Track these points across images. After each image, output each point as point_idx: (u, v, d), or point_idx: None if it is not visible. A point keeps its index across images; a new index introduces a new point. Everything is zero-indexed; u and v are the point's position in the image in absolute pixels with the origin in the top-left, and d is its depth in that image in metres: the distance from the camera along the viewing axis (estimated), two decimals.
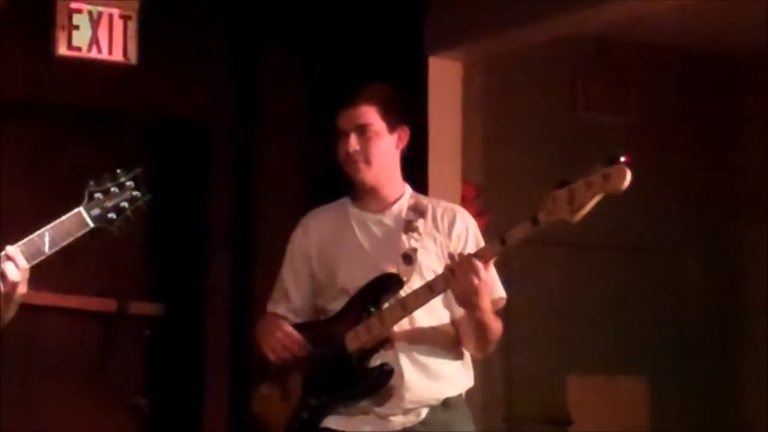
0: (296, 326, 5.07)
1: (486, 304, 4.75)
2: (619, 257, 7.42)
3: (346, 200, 5.14)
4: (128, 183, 4.00)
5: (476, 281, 4.62)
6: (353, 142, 4.96)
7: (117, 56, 6.99)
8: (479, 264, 4.63)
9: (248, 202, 7.46)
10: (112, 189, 3.97)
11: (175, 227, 7.37)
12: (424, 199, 5.14)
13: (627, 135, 7.38)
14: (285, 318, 5.14)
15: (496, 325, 4.86)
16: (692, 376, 7.63)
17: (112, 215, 3.96)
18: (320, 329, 5.04)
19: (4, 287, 3.73)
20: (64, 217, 3.89)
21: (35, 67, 6.86)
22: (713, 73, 7.98)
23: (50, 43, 6.85)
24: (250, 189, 7.46)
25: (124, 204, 3.98)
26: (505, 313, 4.90)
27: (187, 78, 7.28)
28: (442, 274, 4.75)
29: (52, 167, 6.75)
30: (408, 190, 5.14)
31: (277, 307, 5.18)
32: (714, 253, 7.97)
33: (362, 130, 4.97)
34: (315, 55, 7.37)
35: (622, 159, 4.46)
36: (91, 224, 3.92)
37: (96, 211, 3.93)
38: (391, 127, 5.00)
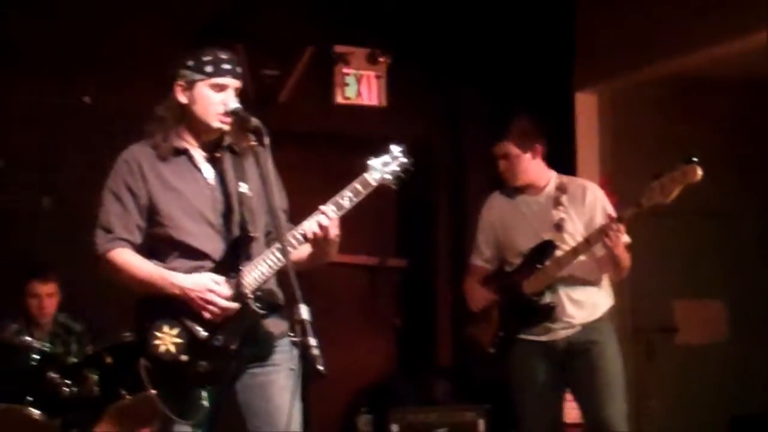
0: (491, 275, 5.24)
1: (621, 245, 4.81)
2: (706, 219, 7.23)
3: (513, 189, 5.20)
4: (396, 153, 3.98)
5: (623, 237, 4.77)
6: (501, 165, 5.14)
7: (374, 102, 7.20)
8: (622, 226, 4.74)
9: (460, 192, 7.54)
10: (386, 159, 3.97)
11: (413, 211, 7.49)
12: (565, 179, 5.17)
13: (701, 141, 6.93)
14: (480, 267, 5.28)
15: (626, 256, 4.90)
16: (755, 301, 7.39)
17: (387, 176, 3.94)
18: (507, 278, 5.14)
19: (320, 231, 3.79)
20: (354, 181, 3.89)
21: (322, 112, 7.10)
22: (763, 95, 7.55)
23: (331, 95, 7.10)
24: (461, 183, 7.54)
25: (396, 167, 3.96)
26: (633, 262, 5.09)
27: (418, 116, 7.39)
28: (597, 232, 4.80)
29: (333, 177, 6.82)
30: (553, 175, 5.18)
31: (475, 259, 5.29)
32: None
33: (506, 157, 5.11)
34: (497, 98, 7.31)
35: (695, 159, 4.57)
36: (374, 183, 3.91)
37: (376, 174, 3.92)
38: (525, 149, 5.09)
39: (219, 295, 3.80)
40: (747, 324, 7.49)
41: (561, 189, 5.11)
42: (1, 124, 6.20)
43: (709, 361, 7.29)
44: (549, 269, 4.96)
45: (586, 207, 5.04)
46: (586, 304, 5.03)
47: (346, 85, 7.12)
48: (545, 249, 5.00)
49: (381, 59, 7.14)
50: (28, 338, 5.45)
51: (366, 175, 3.93)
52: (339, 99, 7.11)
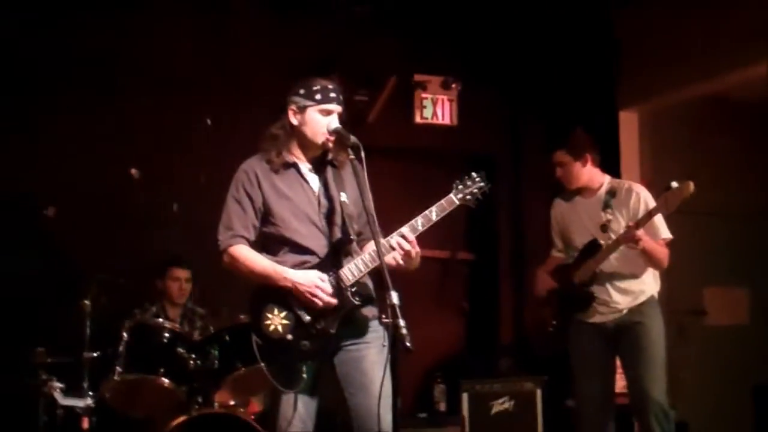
0: (557, 267, 5.22)
1: (646, 244, 4.77)
2: (735, 218, 7.10)
3: (573, 192, 5.20)
4: (477, 178, 3.97)
5: (639, 240, 4.76)
6: (558, 172, 5.13)
7: (446, 121, 7.13)
8: (640, 232, 4.74)
9: (519, 197, 7.48)
10: (468, 182, 3.96)
11: (479, 212, 7.41)
12: (615, 183, 5.13)
13: (728, 153, 7.12)
14: (554, 257, 5.27)
15: (662, 251, 4.89)
16: None
17: (468, 197, 3.93)
18: (565, 270, 5.15)
19: (403, 253, 3.82)
20: (442, 200, 3.90)
21: (404, 130, 7.07)
22: None
23: (411, 116, 7.06)
24: (519, 190, 7.48)
25: (475, 190, 3.94)
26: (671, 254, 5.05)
27: (484, 133, 7.35)
28: (621, 238, 4.80)
29: (413, 184, 6.83)
30: (606, 179, 5.13)
31: (552, 250, 5.30)
32: None
33: (560, 164, 5.12)
34: (552, 116, 7.31)
35: (689, 179, 4.60)
36: (457, 202, 3.90)
37: (459, 195, 3.91)
38: (576, 157, 5.07)
39: (323, 291, 3.84)
40: (766, 309, 7.38)
41: (611, 193, 5.07)
42: (138, 141, 6.25)
43: (733, 340, 7.19)
44: (592, 263, 4.96)
45: (631, 208, 5.00)
46: (631, 291, 5.00)
47: (424, 107, 7.09)
48: (593, 247, 4.99)
49: (453, 86, 7.10)
50: (161, 320, 5.50)
51: (451, 195, 3.94)
52: (418, 119, 7.09)
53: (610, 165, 6.19)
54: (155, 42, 6.37)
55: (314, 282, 3.84)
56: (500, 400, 6.36)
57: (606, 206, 5.03)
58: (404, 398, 6.65)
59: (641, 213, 4.92)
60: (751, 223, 7.16)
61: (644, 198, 5.02)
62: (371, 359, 3.90)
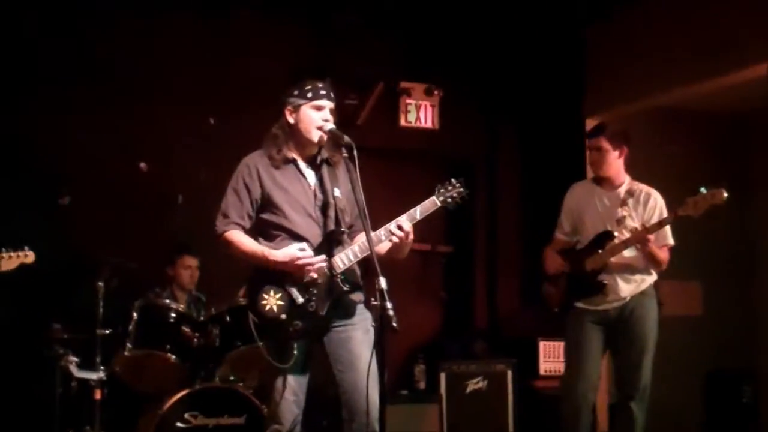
0: (565, 250, 5.10)
1: (649, 249, 4.78)
2: (685, 220, 6.91)
3: (592, 182, 5.09)
4: (457, 184, 4.00)
5: (648, 243, 4.72)
6: (592, 156, 5.00)
7: (428, 125, 7.12)
8: (650, 236, 4.70)
9: (493, 195, 7.50)
10: (449, 187, 3.98)
11: (457, 209, 7.46)
12: (635, 185, 4.99)
13: (684, 160, 7.12)
14: (559, 239, 5.14)
15: (664, 255, 4.88)
16: (723, 283, 7.38)
17: (449, 200, 3.96)
18: (575, 255, 5.04)
19: (399, 239, 3.88)
20: (425, 201, 3.93)
21: (390, 132, 7.05)
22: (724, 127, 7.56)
23: (397, 119, 7.05)
24: (494, 189, 7.48)
25: (455, 194, 3.97)
26: None
27: (462, 136, 7.35)
28: (632, 238, 4.75)
29: (398, 182, 6.83)
30: (627, 179, 5.01)
31: (557, 233, 5.17)
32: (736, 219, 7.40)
33: (598, 150, 4.97)
34: (525, 123, 7.37)
35: (722, 186, 4.51)
36: (439, 204, 3.94)
37: (441, 198, 3.95)
38: (614, 147, 4.94)
39: (307, 258, 3.86)
40: (717, 301, 7.43)
41: (630, 192, 4.98)
42: (146, 139, 6.25)
43: (687, 330, 7.22)
44: (605, 254, 4.89)
45: (647, 210, 4.93)
46: (634, 280, 4.94)
47: (408, 112, 7.09)
48: (605, 237, 4.93)
49: (435, 92, 7.10)
50: (168, 301, 5.53)
51: (434, 198, 3.98)
52: (402, 122, 7.09)
53: (576, 170, 6.25)
54: (168, 51, 6.41)
55: (294, 254, 3.85)
56: (475, 380, 6.38)
57: (623, 203, 4.95)
58: (388, 376, 6.55)
59: (655, 218, 4.85)
60: (703, 224, 7.22)
61: (660, 205, 4.95)
62: (358, 339, 3.94)
